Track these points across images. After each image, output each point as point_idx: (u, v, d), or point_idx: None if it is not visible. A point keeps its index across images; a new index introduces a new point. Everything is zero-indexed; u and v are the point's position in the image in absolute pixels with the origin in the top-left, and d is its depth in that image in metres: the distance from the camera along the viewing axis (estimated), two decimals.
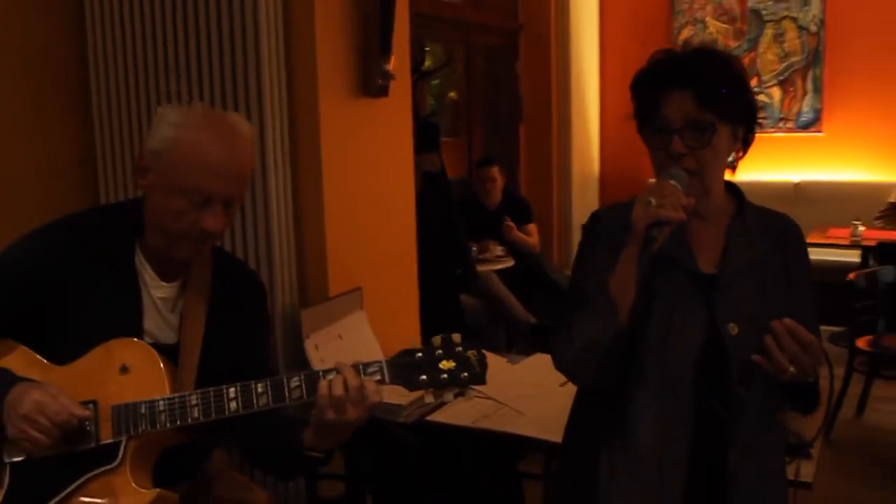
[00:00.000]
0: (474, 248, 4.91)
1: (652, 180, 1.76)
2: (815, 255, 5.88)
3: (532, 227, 5.50)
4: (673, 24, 7.49)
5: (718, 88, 1.72)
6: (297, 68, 3.03)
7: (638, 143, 2.00)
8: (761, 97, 7.20)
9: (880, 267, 4.76)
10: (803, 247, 1.89)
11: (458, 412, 2.78)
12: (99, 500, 1.82)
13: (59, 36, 3.28)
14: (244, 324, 2.05)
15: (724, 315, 1.73)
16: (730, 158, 1.81)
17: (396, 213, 3.56)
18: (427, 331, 3.59)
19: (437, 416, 2.78)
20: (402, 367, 1.81)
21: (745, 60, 7.24)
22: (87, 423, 1.79)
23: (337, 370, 1.74)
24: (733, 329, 1.72)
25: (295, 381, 1.76)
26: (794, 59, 7.19)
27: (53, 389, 1.77)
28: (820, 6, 7.05)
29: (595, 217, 1.94)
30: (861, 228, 5.87)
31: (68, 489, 1.80)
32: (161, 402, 1.79)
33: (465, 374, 1.81)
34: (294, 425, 1.87)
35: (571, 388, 2.27)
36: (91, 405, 1.80)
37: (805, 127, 7.19)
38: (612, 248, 1.77)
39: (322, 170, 3.07)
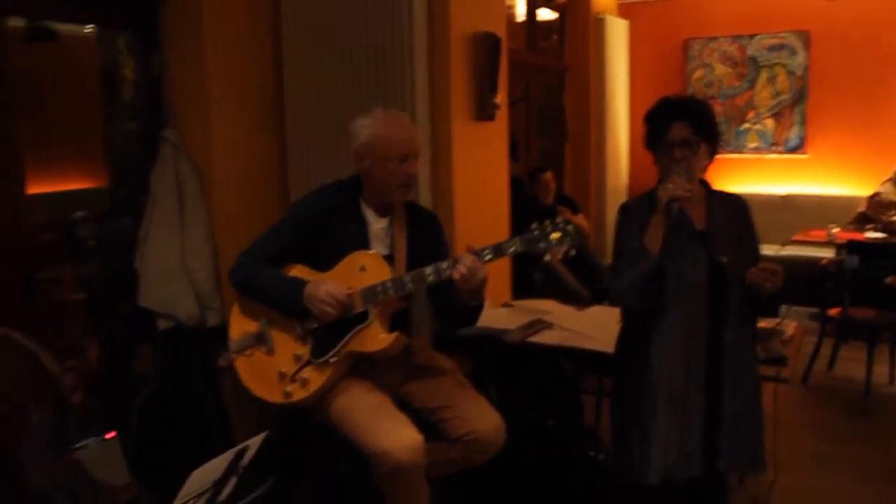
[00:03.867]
0: None
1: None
2: (798, 251, 6.65)
3: (581, 216, 5.56)
4: (687, 67, 7.66)
5: (703, 121, 2.50)
6: (439, 101, 3.60)
7: None
8: (757, 126, 7.44)
9: (847, 256, 5.28)
10: (749, 212, 2.63)
11: (548, 336, 3.34)
12: (363, 342, 2.56)
13: (264, 72, 3.79)
14: (428, 241, 2.77)
15: (718, 252, 2.50)
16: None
17: (496, 205, 4.10)
18: (512, 291, 4.27)
19: (534, 338, 3.33)
20: (529, 240, 2.35)
21: (745, 97, 7.45)
22: (350, 301, 2.54)
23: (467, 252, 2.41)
24: (725, 259, 2.48)
25: (446, 265, 2.47)
26: (783, 96, 7.37)
27: (333, 283, 2.55)
28: (805, 55, 7.19)
29: (625, 207, 2.70)
30: (835, 230, 6.19)
31: (344, 340, 2.56)
32: (388, 282, 2.53)
33: (568, 238, 2.30)
34: (453, 292, 2.54)
35: None
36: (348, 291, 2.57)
37: (792, 150, 7.38)
38: (639, 221, 2.54)
39: (452, 171, 3.62)
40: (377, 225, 2.71)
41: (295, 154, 3.83)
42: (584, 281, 5.17)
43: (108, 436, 3.16)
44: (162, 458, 3.55)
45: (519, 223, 4.46)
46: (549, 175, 5.66)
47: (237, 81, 3.68)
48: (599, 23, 6.92)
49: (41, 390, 2.04)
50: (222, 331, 3.62)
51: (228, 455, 1.72)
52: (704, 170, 2.59)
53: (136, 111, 3.77)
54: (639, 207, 2.58)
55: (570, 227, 2.32)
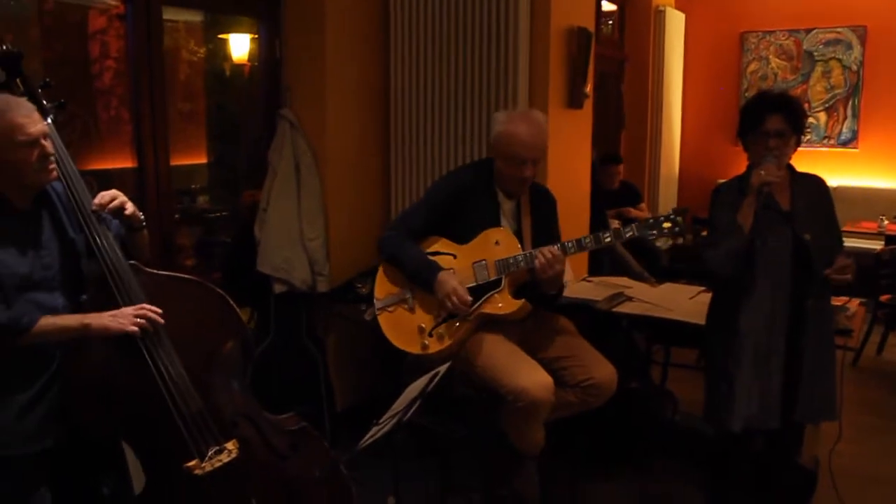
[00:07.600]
0: None
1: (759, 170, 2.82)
2: (848, 242, 6.75)
3: (643, 205, 6.14)
4: (742, 60, 7.89)
5: (795, 114, 2.87)
6: (537, 90, 3.95)
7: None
8: (810, 119, 7.55)
9: None
10: (829, 192, 2.99)
11: (632, 307, 3.70)
12: (495, 305, 2.97)
13: (373, 66, 4.25)
14: (546, 219, 3.18)
15: (801, 230, 2.86)
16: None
17: (581, 183, 4.47)
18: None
19: (620, 308, 3.68)
20: (644, 226, 2.78)
21: (798, 91, 7.60)
22: (467, 307, 2.93)
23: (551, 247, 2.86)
24: (808, 237, 2.84)
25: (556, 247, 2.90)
26: (837, 90, 7.56)
27: (459, 284, 2.93)
28: (860, 51, 7.41)
29: (718, 189, 3.06)
30: (886, 222, 6.58)
31: (479, 302, 2.98)
32: (520, 256, 2.95)
33: (677, 228, 2.71)
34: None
35: (697, 298, 3.35)
36: (483, 262, 2.98)
37: (844, 144, 7.59)
38: (731, 202, 2.90)
39: (547, 155, 3.71)
40: (506, 205, 3.12)
41: (398, 137, 4.28)
42: (645, 264, 5.63)
43: None
44: (272, 407, 4.01)
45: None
46: (620, 167, 6.07)
47: (351, 67, 4.13)
48: (659, 14, 7.28)
49: (232, 326, 2.51)
50: (330, 296, 4.11)
51: (424, 380, 2.16)
52: (790, 157, 2.99)
53: (256, 91, 4.23)
54: (730, 189, 2.98)
55: (679, 219, 2.71)
